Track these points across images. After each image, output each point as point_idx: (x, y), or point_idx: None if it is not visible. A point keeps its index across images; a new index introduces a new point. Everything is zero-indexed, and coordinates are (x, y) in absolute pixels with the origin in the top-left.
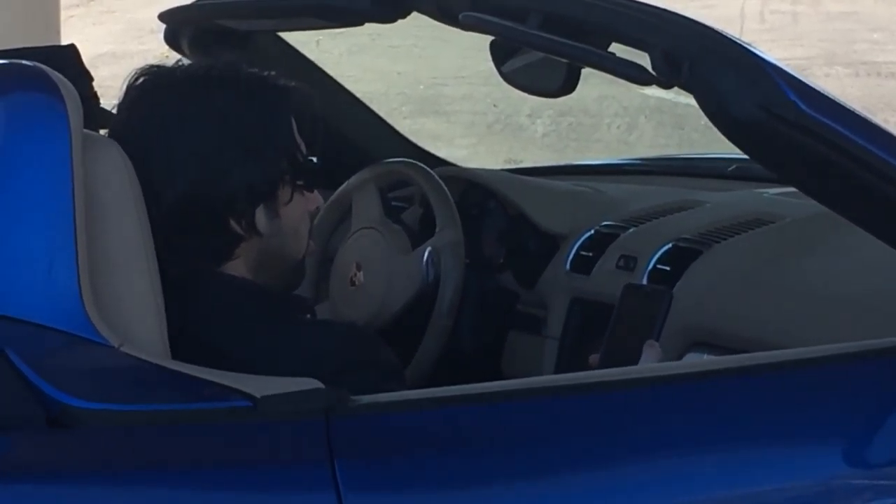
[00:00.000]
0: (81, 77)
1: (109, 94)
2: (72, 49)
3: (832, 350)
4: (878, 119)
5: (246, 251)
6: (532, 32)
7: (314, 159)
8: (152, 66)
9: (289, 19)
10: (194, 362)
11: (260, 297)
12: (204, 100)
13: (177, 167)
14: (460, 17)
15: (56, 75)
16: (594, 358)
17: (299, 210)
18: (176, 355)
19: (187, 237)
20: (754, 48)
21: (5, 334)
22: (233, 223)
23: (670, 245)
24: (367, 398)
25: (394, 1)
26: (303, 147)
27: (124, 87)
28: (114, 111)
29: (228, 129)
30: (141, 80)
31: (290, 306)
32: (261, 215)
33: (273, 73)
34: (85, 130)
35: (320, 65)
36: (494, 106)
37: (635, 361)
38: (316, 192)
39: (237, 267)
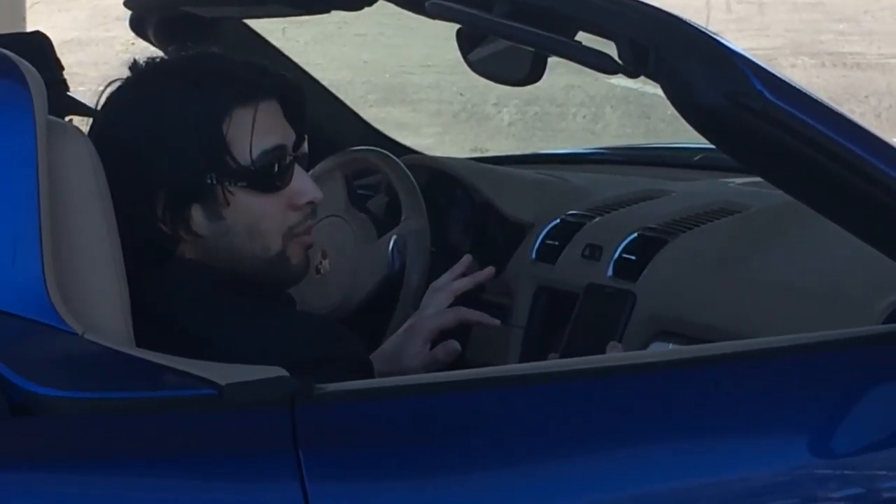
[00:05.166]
0: (49, 64)
1: (75, 81)
2: (43, 37)
3: (797, 340)
4: (844, 109)
5: (190, 251)
6: (498, 21)
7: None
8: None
9: (255, 6)
10: (159, 348)
11: (231, 286)
12: (141, 94)
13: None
14: (426, 5)
15: (20, 61)
16: (553, 356)
17: (253, 210)
18: (140, 341)
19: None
20: (721, 38)
21: None
22: (161, 226)
23: (636, 234)
24: (332, 386)
25: None
26: (271, 141)
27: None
28: (80, 98)
29: (156, 124)
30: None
31: (263, 298)
32: (199, 217)
33: (230, 60)
34: (50, 117)
35: (286, 53)
36: (461, 95)
37: None
38: (301, 185)
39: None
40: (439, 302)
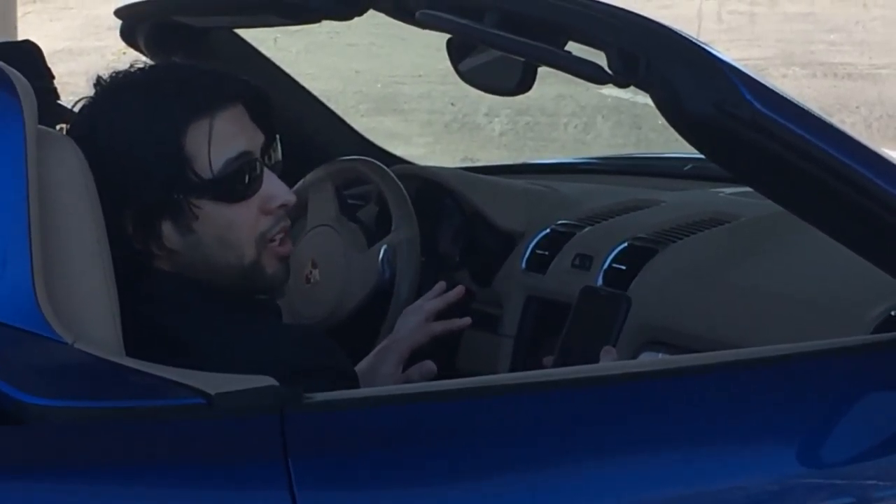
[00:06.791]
0: (39, 73)
1: (67, 91)
2: (33, 46)
3: (787, 349)
4: (835, 119)
5: (166, 265)
6: (489, 31)
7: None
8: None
9: (246, 16)
10: (148, 358)
11: (214, 294)
12: (101, 112)
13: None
14: (417, 14)
15: (11, 71)
16: (548, 360)
17: (222, 220)
18: (129, 351)
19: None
20: (710, 48)
21: None
22: (134, 243)
23: (626, 244)
24: (321, 395)
25: None
26: (233, 152)
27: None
28: (71, 108)
29: (116, 144)
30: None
31: (249, 307)
32: (169, 232)
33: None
34: (40, 127)
35: (278, 62)
36: (452, 105)
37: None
38: (271, 189)
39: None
40: (412, 323)
